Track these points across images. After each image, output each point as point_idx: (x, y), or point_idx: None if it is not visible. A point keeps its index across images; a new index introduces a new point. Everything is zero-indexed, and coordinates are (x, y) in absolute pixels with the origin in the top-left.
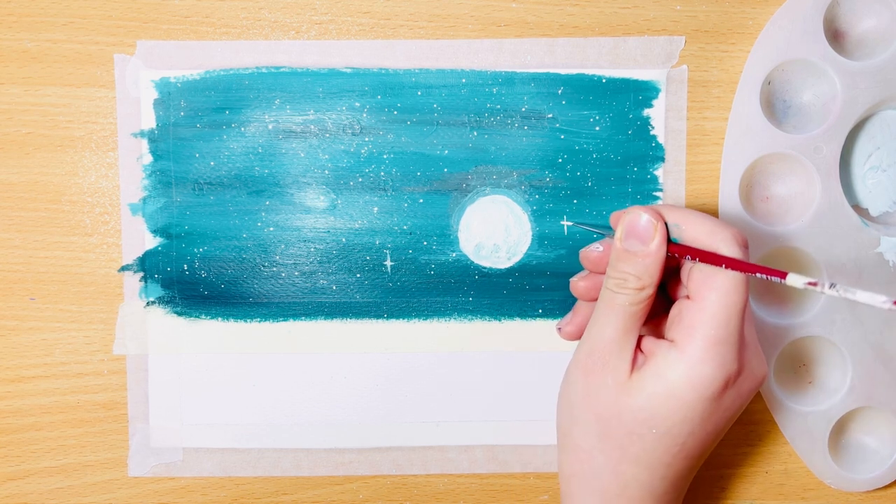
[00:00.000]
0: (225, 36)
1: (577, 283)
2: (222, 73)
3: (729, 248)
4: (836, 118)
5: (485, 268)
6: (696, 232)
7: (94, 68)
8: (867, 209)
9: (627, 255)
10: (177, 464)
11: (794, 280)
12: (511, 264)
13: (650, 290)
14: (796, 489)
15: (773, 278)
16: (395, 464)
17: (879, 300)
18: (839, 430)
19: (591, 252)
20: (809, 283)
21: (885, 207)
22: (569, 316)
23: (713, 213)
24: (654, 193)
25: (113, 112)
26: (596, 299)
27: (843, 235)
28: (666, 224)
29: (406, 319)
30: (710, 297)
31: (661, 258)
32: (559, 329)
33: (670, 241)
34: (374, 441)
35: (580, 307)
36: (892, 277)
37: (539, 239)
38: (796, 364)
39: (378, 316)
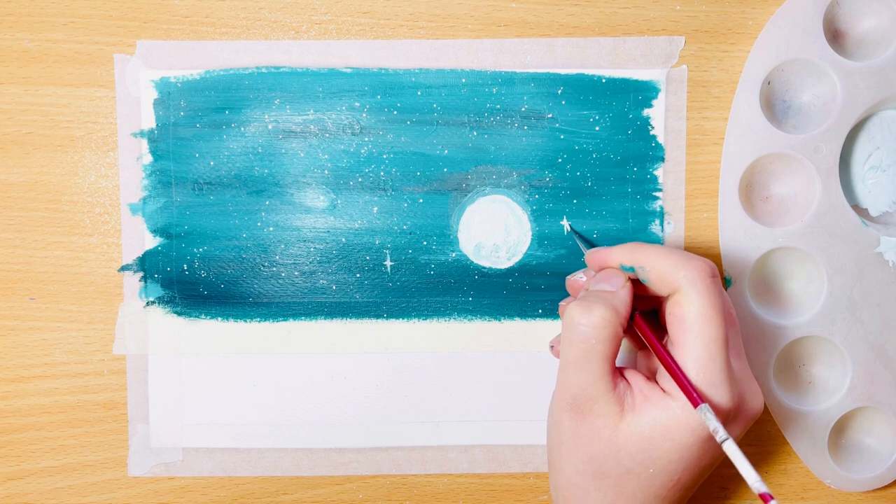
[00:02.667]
0: (225, 36)
1: (566, 308)
2: (222, 73)
3: (690, 286)
4: (836, 118)
5: (485, 268)
6: (661, 271)
7: (94, 68)
8: (867, 209)
9: (594, 291)
10: (177, 464)
11: (706, 417)
12: (511, 264)
13: (617, 326)
14: (796, 489)
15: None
16: (395, 464)
17: (752, 478)
18: (839, 430)
19: (576, 281)
20: (714, 429)
21: (885, 207)
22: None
23: (713, 214)
24: (654, 193)
25: (113, 112)
26: None
27: (843, 235)
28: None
29: (406, 319)
30: (686, 340)
31: (626, 294)
32: (552, 347)
33: (640, 282)
34: (374, 441)
35: None
36: (892, 277)
37: (539, 239)
38: (796, 364)
39: (378, 316)
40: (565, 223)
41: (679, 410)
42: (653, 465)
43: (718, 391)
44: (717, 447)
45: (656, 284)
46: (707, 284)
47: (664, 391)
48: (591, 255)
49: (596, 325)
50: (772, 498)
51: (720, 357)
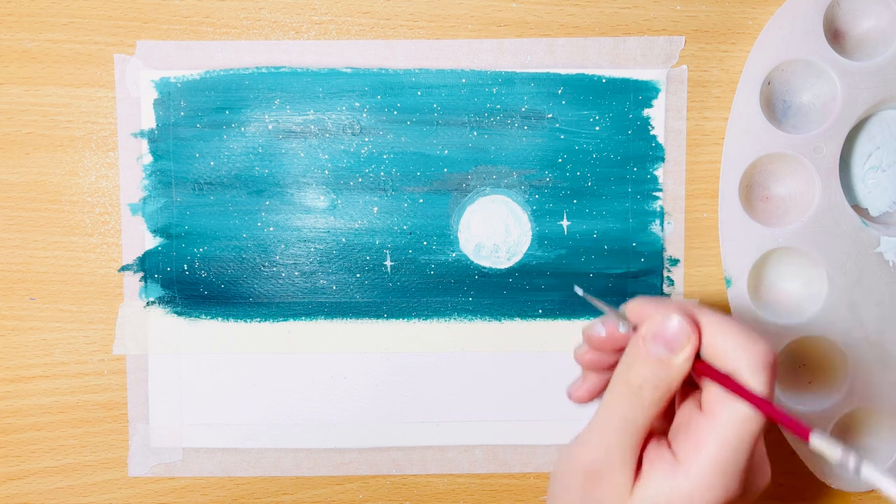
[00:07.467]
0: (225, 36)
1: (584, 357)
2: (222, 73)
3: (752, 373)
4: (836, 118)
5: (485, 268)
6: (722, 345)
7: (94, 68)
8: (867, 209)
9: (649, 359)
10: (177, 464)
11: (818, 445)
12: (511, 264)
13: (663, 402)
14: (796, 489)
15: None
16: (395, 464)
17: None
18: (839, 431)
19: (594, 336)
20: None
21: (885, 207)
22: (578, 381)
23: (713, 214)
24: (654, 193)
25: (113, 112)
26: (603, 370)
27: (843, 235)
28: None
29: (406, 319)
30: (723, 417)
31: (684, 371)
32: (569, 395)
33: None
34: (374, 441)
35: (589, 372)
36: (892, 277)
37: (539, 239)
38: (796, 364)
39: (378, 316)
40: (577, 290)
41: (685, 486)
42: None
43: (732, 476)
44: None
45: (706, 354)
46: (768, 375)
47: (674, 456)
48: (636, 307)
49: (651, 398)
50: None
51: (746, 448)
